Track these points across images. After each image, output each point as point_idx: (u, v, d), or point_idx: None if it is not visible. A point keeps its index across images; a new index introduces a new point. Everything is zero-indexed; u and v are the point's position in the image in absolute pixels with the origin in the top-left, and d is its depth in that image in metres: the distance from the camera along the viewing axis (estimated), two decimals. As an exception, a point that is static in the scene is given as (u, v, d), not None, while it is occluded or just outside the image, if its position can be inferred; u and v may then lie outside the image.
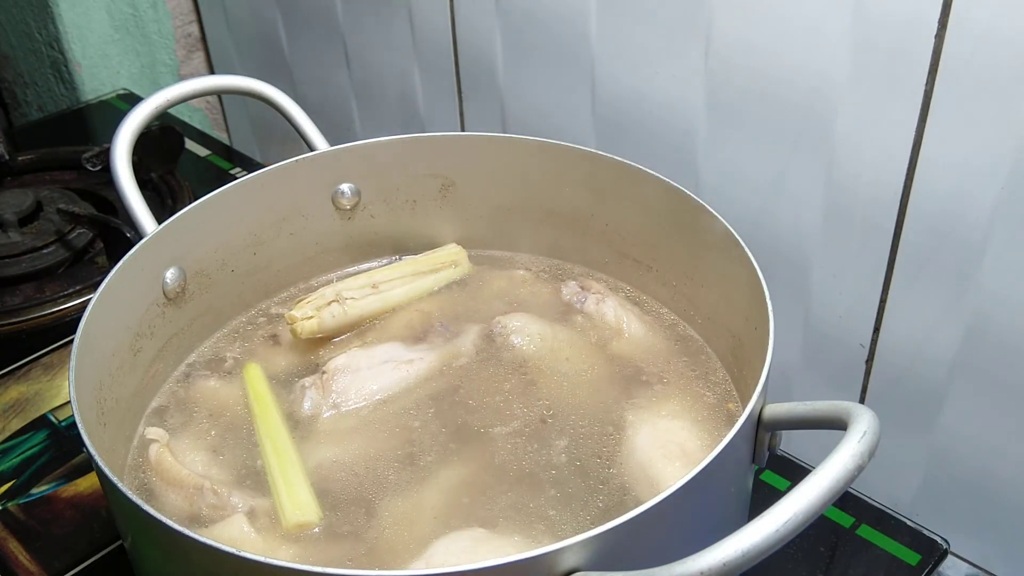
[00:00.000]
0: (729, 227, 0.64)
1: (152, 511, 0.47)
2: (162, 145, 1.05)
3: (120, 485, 0.48)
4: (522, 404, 0.66)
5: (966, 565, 0.77)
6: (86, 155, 1.04)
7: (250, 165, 1.15)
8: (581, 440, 0.64)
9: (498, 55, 0.92)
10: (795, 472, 0.73)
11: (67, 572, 0.68)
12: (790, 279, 0.77)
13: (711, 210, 0.66)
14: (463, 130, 1.02)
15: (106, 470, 0.49)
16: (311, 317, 0.69)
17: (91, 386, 0.60)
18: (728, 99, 0.76)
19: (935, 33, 0.62)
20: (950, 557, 0.70)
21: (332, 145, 0.76)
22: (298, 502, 0.59)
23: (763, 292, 0.59)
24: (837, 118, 0.69)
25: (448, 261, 0.77)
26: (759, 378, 0.53)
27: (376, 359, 0.68)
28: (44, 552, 0.69)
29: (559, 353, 0.70)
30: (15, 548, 0.69)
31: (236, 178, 0.86)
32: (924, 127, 0.65)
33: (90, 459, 0.51)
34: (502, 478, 0.61)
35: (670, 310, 0.74)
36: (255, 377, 0.69)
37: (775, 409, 0.55)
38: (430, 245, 0.78)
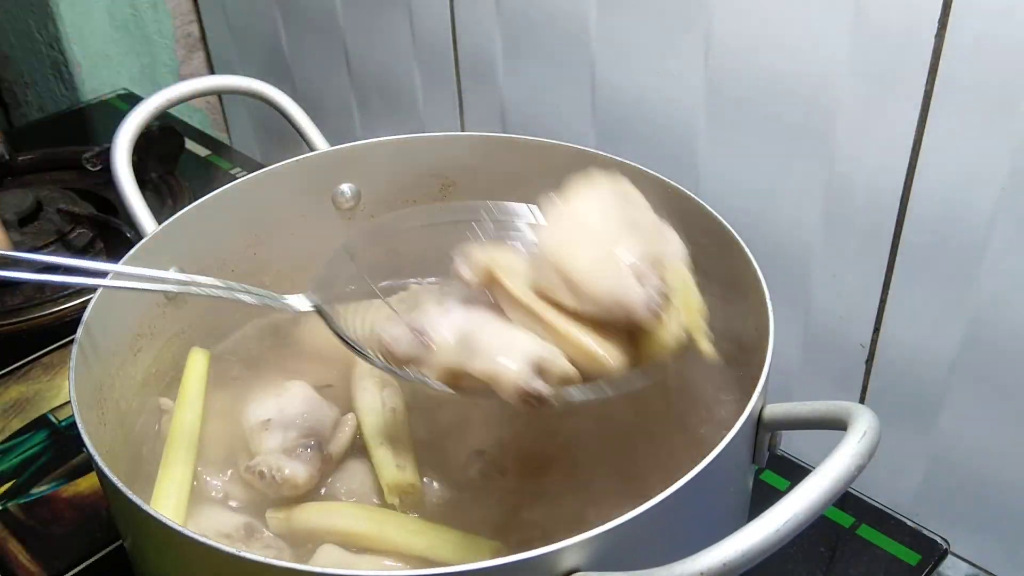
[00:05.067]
0: (729, 227, 0.64)
1: (152, 511, 0.47)
2: (162, 145, 1.05)
3: (120, 485, 0.48)
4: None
5: (966, 565, 0.77)
6: (86, 155, 1.04)
7: (250, 165, 1.15)
8: (579, 439, 0.64)
9: (498, 55, 0.92)
10: (795, 472, 0.73)
11: (67, 572, 0.68)
12: (790, 279, 0.77)
13: (711, 210, 0.66)
14: (463, 130, 1.02)
15: (106, 470, 0.49)
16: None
17: (91, 386, 0.60)
18: (728, 99, 0.76)
19: (935, 33, 0.62)
20: (950, 557, 0.70)
21: (332, 145, 0.76)
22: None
23: (763, 292, 0.59)
24: (837, 118, 0.69)
25: None
26: (759, 378, 0.53)
27: None
28: (44, 552, 0.69)
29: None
30: (15, 548, 0.69)
31: (236, 178, 0.86)
32: (924, 127, 0.65)
33: (90, 459, 0.51)
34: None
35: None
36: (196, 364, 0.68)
37: (775, 409, 0.55)
38: (430, 245, 0.78)
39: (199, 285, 0.58)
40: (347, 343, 0.57)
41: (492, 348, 0.52)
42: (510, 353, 0.52)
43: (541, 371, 0.51)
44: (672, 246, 0.59)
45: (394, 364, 0.56)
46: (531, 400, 0.50)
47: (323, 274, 0.62)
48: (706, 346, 0.55)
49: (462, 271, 0.56)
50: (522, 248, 0.60)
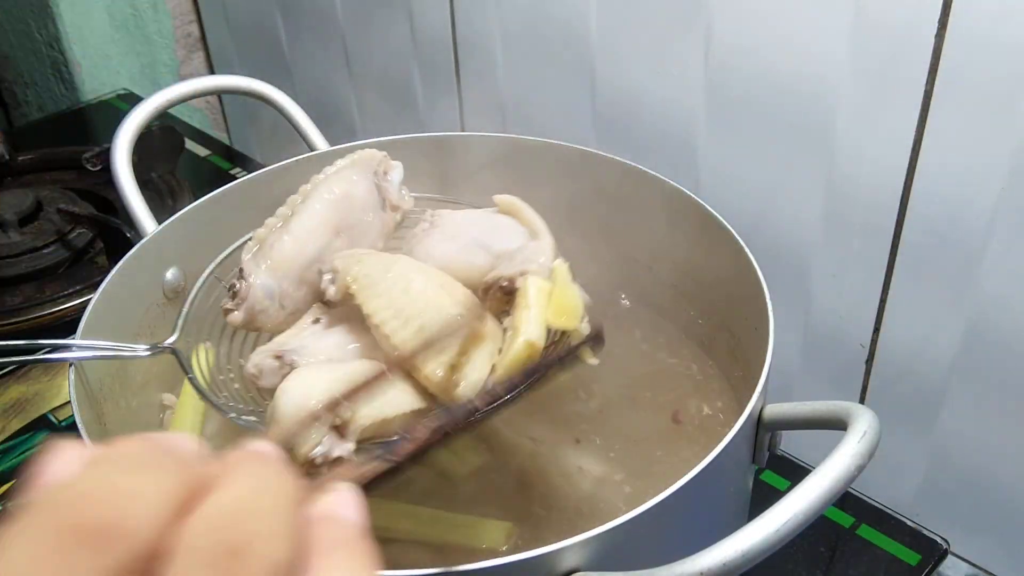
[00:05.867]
0: (729, 227, 0.64)
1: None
2: (162, 145, 1.05)
3: (120, 485, 0.48)
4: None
5: (966, 565, 0.77)
6: (86, 155, 1.04)
7: (250, 165, 1.15)
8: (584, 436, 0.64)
9: (498, 54, 0.92)
10: (795, 472, 0.73)
11: (67, 572, 0.68)
12: (790, 279, 0.77)
13: (711, 210, 0.66)
14: (463, 130, 1.02)
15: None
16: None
17: (91, 386, 0.60)
18: (728, 99, 0.76)
19: (935, 34, 0.62)
20: (950, 557, 0.70)
21: (332, 145, 0.76)
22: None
23: (763, 292, 0.59)
24: (837, 118, 0.69)
25: None
26: (759, 378, 0.53)
27: None
28: (44, 552, 0.69)
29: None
30: (15, 548, 0.69)
31: (236, 178, 0.86)
32: (924, 128, 0.65)
33: (90, 459, 0.51)
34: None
35: (670, 310, 0.74)
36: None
37: (775, 409, 0.55)
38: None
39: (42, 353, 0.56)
40: (198, 391, 0.55)
41: (288, 401, 0.47)
42: (308, 401, 0.46)
43: (346, 425, 0.46)
44: (533, 257, 0.57)
45: (264, 396, 0.52)
46: (315, 471, 0.44)
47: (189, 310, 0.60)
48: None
49: (324, 285, 0.54)
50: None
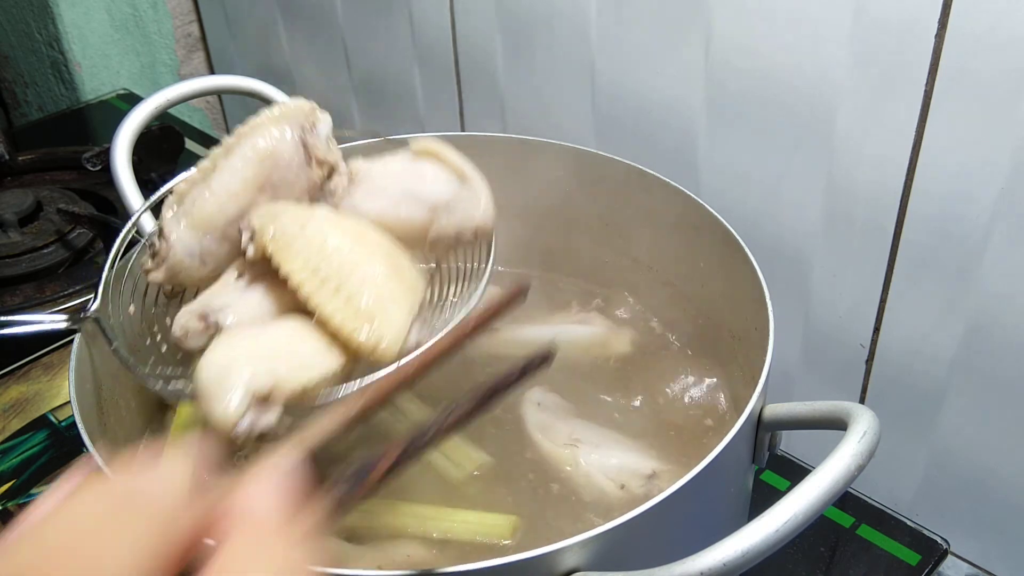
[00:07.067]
0: (729, 227, 0.64)
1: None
2: (162, 145, 1.05)
3: (120, 485, 0.48)
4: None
5: (966, 565, 0.77)
6: (86, 155, 1.04)
7: (250, 165, 1.14)
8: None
9: (498, 55, 0.92)
10: (795, 472, 0.73)
11: (67, 572, 0.68)
12: (790, 279, 0.77)
13: (711, 210, 0.66)
14: (463, 130, 1.02)
15: (106, 470, 0.49)
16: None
17: (91, 386, 0.60)
18: (728, 99, 0.76)
19: (935, 33, 0.62)
20: (950, 557, 0.70)
21: (332, 145, 0.75)
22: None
23: (763, 292, 0.59)
24: (837, 118, 0.69)
25: None
26: (759, 378, 0.54)
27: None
28: (44, 552, 0.69)
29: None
30: (15, 548, 0.69)
31: (236, 178, 0.85)
32: (924, 127, 0.65)
33: (90, 459, 0.51)
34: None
35: (669, 310, 0.74)
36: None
37: (775, 409, 0.55)
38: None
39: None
40: (122, 362, 0.54)
41: (210, 378, 0.46)
42: (229, 376, 0.45)
43: (268, 396, 0.46)
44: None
45: (195, 357, 0.51)
46: (246, 442, 0.44)
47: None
48: None
49: (243, 244, 0.53)
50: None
